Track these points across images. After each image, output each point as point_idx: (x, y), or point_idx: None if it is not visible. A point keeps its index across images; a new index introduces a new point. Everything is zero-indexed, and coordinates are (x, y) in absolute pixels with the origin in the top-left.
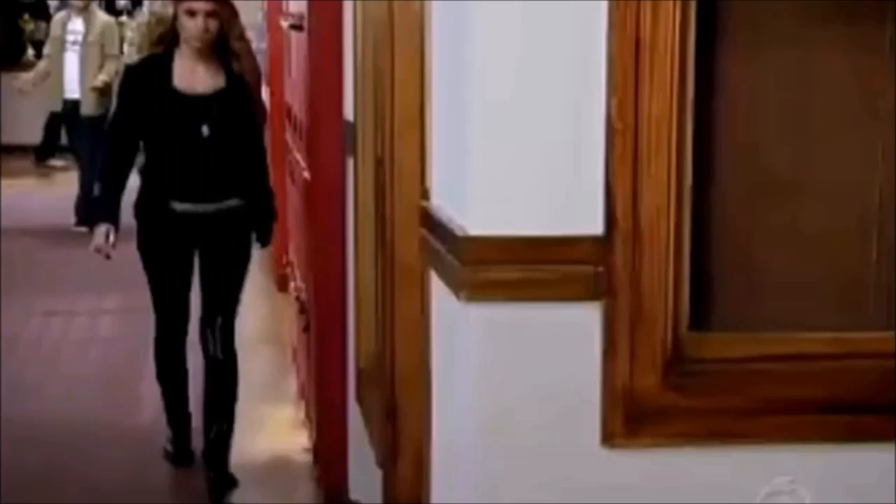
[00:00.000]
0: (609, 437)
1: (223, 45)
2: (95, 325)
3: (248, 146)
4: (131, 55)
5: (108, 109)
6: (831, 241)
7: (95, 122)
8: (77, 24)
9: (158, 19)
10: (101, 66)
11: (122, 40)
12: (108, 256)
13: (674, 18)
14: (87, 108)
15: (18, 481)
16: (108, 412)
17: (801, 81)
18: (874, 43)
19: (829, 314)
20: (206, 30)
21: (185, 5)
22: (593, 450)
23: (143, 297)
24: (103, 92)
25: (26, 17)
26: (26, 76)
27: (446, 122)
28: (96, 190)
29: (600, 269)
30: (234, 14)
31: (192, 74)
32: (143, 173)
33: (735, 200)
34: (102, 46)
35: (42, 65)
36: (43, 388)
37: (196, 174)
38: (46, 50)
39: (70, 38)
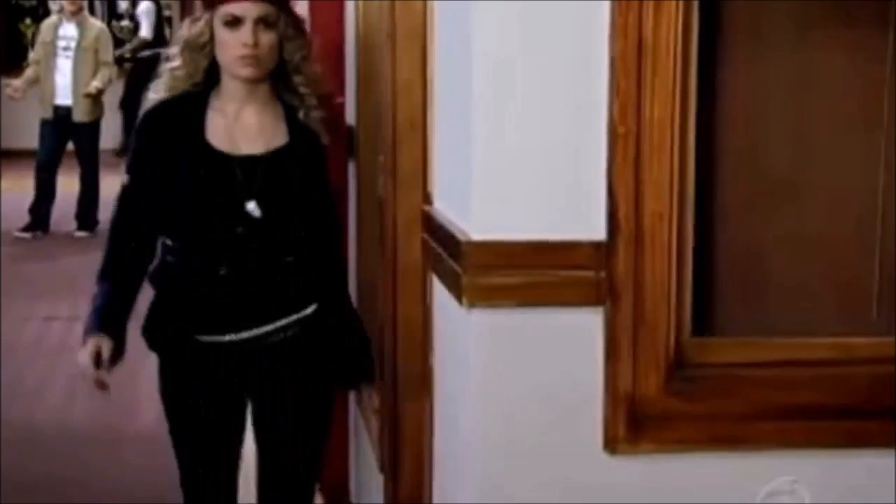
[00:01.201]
0: (611, 443)
1: (283, 79)
2: None
3: (319, 235)
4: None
5: (100, 116)
6: (834, 246)
7: (88, 128)
8: (69, 30)
9: (195, 44)
10: (94, 73)
11: (118, 44)
12: (101, 385)
13: (676, 22)
14: (80, 115)
15: (18, 486)
16: (108, 417)
17: (804, 85)
18: (876, 47)
19: (832, 319)
20: (257, 44)
21: (224, 9)
22: (595, 455)
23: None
24: (96, 99)
25: (27, 21)
26: (16, 82)
27: (448, 127)
28: (97, 295)
29: (602, 273)
30: (297, 27)
31: (236, 125)
32: (157, 278)
33: (737, 205)
34: (96, 52)
35: (30, 71)
36: (43, 393)
37: (239, 281)
38: (35, 55)
39: (62, 43)
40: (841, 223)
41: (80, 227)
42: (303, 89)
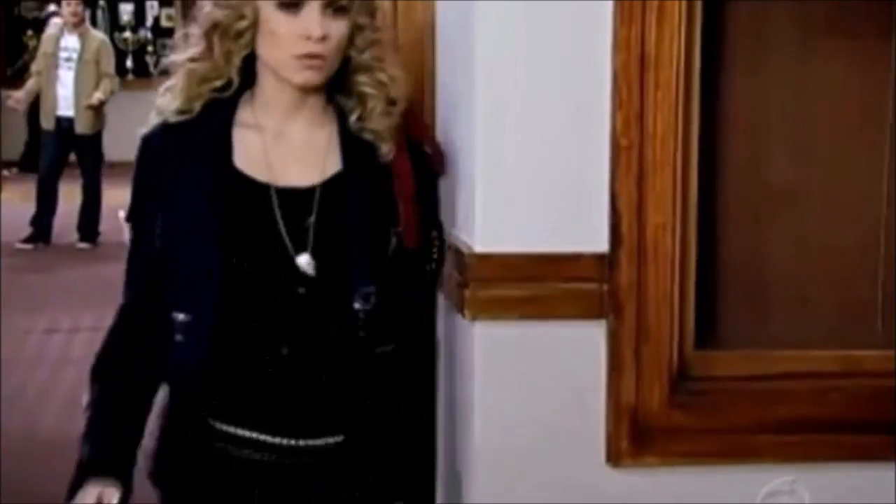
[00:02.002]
0: (614, 456)
1: (340, 79)
2: (97, 343)
3: (397, 304)
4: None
5: (102, 128)
6: (837, 258)
7: (90, 140)
8: (71, 41)
9: (229, 29)
10: (96, 84)
11: (121, 56)
12: None
13: (678, 34)
14: (82, 127)
15: (18, 497)
16: None
17: (806, 96)
18: (878, 56)
19: (835, 332)
20: (324, 38)
21: None
22: (598, 468)
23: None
24: (98, 110)
25: (30, 33)
26: (17, 94)
27: (450, 140)
28: (96, 404)
29: (605, 286)
30: (371, 12)
31: (276, 146)
32: (172, 371)
33: (740, 217)
34: (98, 63)
35: (32, 82)
36: (43, 405)
37: (284, 372)
38: (36, 67)
39: (63, 54)
40: (844, 234)
41: (81, 239)
42: (367, 89)
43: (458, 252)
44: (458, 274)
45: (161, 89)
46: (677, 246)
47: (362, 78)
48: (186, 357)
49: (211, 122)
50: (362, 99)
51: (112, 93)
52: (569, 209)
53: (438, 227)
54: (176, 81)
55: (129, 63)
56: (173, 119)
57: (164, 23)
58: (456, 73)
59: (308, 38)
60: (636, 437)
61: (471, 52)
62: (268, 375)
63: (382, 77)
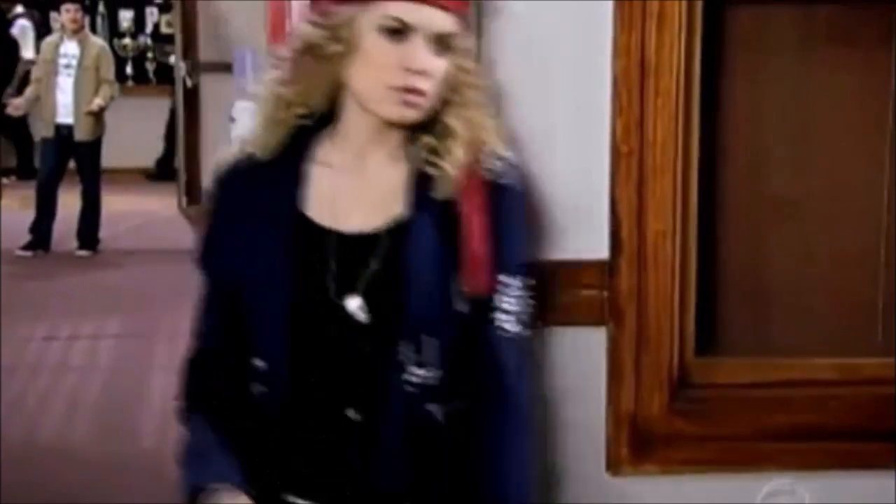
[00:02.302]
0: (615, 464)
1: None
2: (96, 351)
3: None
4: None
5: (101, 135)
6: (837, 265)
7: (89, 147)
8: (70, 48)
9: (324, 51)
10: (96, 91)
11: (121, 63)
12: None
13: (679, 41)
14: (82, 134)
15: None
16: (109, 438)
17: (806, 103)
18: (879, 65)
19: (835, 339)
20: (426, 73)
21: (389, 8)
22: (599, 476)
23: (144, 322)
24: (98, 117)
25: None
26: (17, 101)
27: None
28: (195, 439)
29: (605, 293)
30: (470, 52)
31: (348, 186)
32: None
33: (740, 224)
34: (97, 70)
35: (31, 89)
36: (42, 413)
37: (350, 435)
38: (36, 74)
39: (63, 61)
40: (845, 242)
41: (81, 246)
42: (455, 124)
43: None
44: None
45: (236, 111)
46: (677, 253)
47: (452, 118)
48: (267, 406)
49: (288, 158)
50: (446, 134)
51: (112, 99)
52: (569, 216)
53: (520, 272)
54: (257, 107)
55: (128, 69)
56: (249, 151)
57: (164, 29)
58: None
59: (408, 69)
60: (636, 444)
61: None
62: (333, 439)
63: (475, 118)
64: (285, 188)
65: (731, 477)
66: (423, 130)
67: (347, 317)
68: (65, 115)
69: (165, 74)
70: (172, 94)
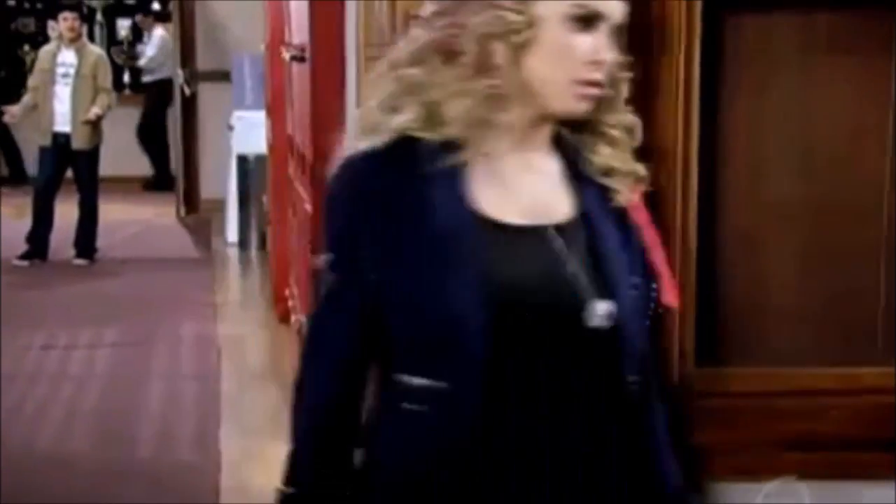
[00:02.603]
0: None
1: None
2: (94, 359)
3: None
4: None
5: (99, 144)
6: (838, 275)
7: (87, 156)
8: (68, 57)
9: (501, 36)
10: (93, 100)
11: (118, 71)
12: None
13: (679, 49)
14: (79, 143)
15: None
16: (107, 447)
17: (807, 112)
18: (879, 73)
19: (836, 349)
20: (601, 62)
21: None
22: None
23: (142, 331)
24: (95, 125)
25: (27, 48)
26: (14, 109)
27: None
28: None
29: None
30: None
31: (515, 181)
32: (387, 446)
33: (741, 235)
34: (95, 79)
35: (28, 98)
36: (40, 423)
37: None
38: (32, 82)
39: (60, 70)
40: (845, 252)
41: (78, 255)
42: (615, 132)
43: None
44: None
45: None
46: (678, 263)
47: (610, 117)
48: (437, 432)
49: (433, 148)
50: (607, 142)
51: (109, 108)
52: None
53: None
54: (412, 113)
55: (126, 78)
56: (387, 139)
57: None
58: None
59: (595, 62)
60: None
61: None
62: (535, 463)
63: (630, 120)
64: (445, 182)
65: (731, 486)
66: (572, 126)
67: (580, 324)
68: (62, 124)
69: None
70: (143, 102)
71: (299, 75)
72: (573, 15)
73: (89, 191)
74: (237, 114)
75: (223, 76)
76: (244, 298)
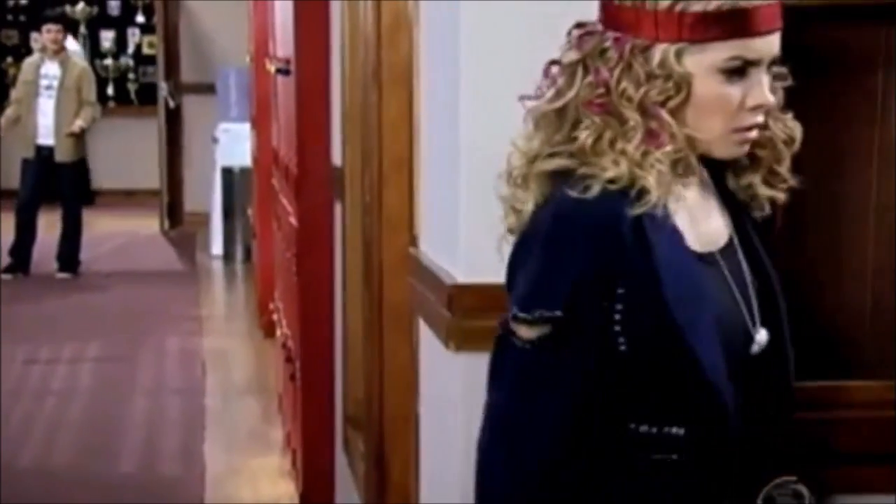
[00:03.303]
0: None
1: None
2: (78, 374)
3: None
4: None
5: (83, 156)
6: (828, 289)
7: (70, 168)
8: (52, 69)
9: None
10: (77, 112)
11: (102, 83)
12: None
13: None
14: (62, 155)
15: None
16: (89, 461)
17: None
18: (867, 87)
19: (830, 362)
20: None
21: (732, 47)
22: None
23: (125, 345)
24: (79, 138)
25: (9, 60)
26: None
27: (435, 169)
28: None
29: None
30: None
31: (699, 211)
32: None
33: None
34: (79, 91)
35: (10, 110)
36: (23, 437)
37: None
38: (15, 94)
39: (44, 82)
40: (835, 266)
41: (61, 269)
42: (761, 152)
43: (441, 282)
44: (442, 304)
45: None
46: None
47: (777, 131)
48: (691, 480)
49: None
50: (751, 160)
51: (94, 120)
52: None
53: None
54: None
55: (110, 90)
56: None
57: (146, 50)
58: (440, 101)
59: (757, 108)
60: None
61: (456, 80)
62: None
63: (781, 130)
64: (667, 225)
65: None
66: None
67: (746, 348)
68: (45, 136)
69: (148, 95)
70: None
71: (284, 88)
72: (724, 66)
73: (73, 204)
74: (222, 126)
75: (208, 88)
76: (229, 312)
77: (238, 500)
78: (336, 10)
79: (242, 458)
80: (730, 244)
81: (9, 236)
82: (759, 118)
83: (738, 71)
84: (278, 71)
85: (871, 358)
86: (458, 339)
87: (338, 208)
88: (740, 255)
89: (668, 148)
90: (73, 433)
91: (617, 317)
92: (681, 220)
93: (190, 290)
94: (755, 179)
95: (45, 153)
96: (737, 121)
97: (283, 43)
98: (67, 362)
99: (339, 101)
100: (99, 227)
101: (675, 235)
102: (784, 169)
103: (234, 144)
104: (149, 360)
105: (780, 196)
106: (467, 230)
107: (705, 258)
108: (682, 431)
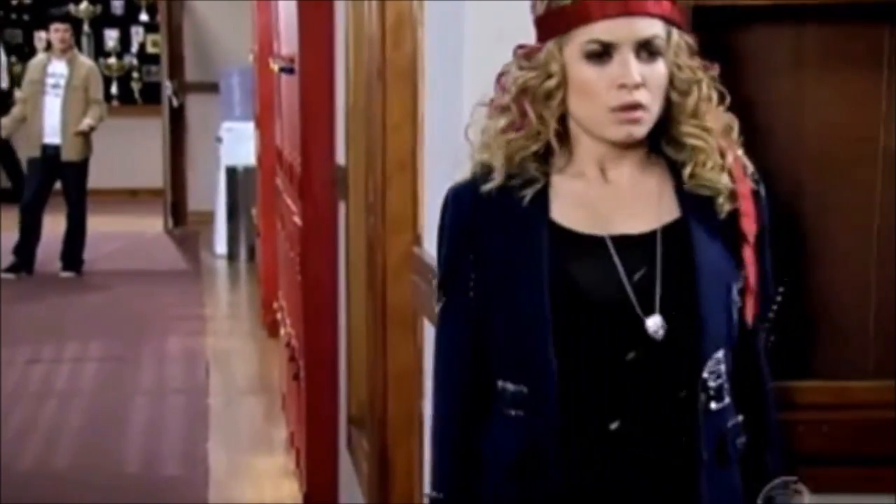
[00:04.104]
0: None
1: (662, 128)
2: (81, 373)
3: (741, 363)
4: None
5: (88, 156)
6: (829, 290)
7: (76, 168)
8: (58, 68)
9: (539, 92)
10: (84, 111)
11: (106, 82)
12: None
13: None
14: (69, 154)
15: None
16: (92, 462)
17: (797, 124)
18: (869, 86)
19: (830, 362)
20: (640, 85)
21: (585, 33)
22: None
23: (129, 344)
24: (86, 137)
25: (13, 59)
26: (3, 120)
27: (438, 168)
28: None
29: None
30: (690, 47)
31: (600, 192)
32: (490, 449)
33: None
34: (86, 90)
35: (17, 109)
36: (25, 437)
37: (639, 440)
38: (21, 94)
39: (51, 81)
40: (837, 265)
41: (65, 268)
42: (695, 141)
43: None
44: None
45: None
46: None
47: (687, 127)
48: (525, 434)
49: (524, 175)
50: (692, 151)
51: (101, 119)
52: None
53: (771, 281)
54: (489, 154)
55: (114, 89)
56: (483, 174)
57: (150, 49)
58: (444, 101)
59: (623, 86)
60: None
61: (460, 80)
62: (594, 453)
63: (709, 123)
64: (529, 202)
65: None
66: (666, 140)
67: (634, 332)
68: (51, 136)
69: (151, 94)
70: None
71: (288, 87)
72: (585, 51)
73: (77, 203)
74: (226, 125)
75: (212, 87)
76: (232, 311)
77: (241, 500)
78: (340, 9)
79: (246, 458)
80: (646, 235)
81: (11, 235)
82: (632, 97)
83: (599, 54)
84: (282, 70)
85: (875, 358)
86: None
87: (341, 207)
88: (657, 246)
89: (521, 135)
90: (76, 432)
91: (472, 284)
92: (560, 199)
93: (193, 289)
94: (697, 169)
95: (50, 152)
96: (610, 100)
97: (287, 42)
98: (70, 362)
99: (342, 100)
100: (102, 225)
101: (535, 210)
102: (729, 158)
103: (238, 144)
104: (152, 360)
105: (724, 179)
106: None
107: (586, 239)
108: (525, 389)
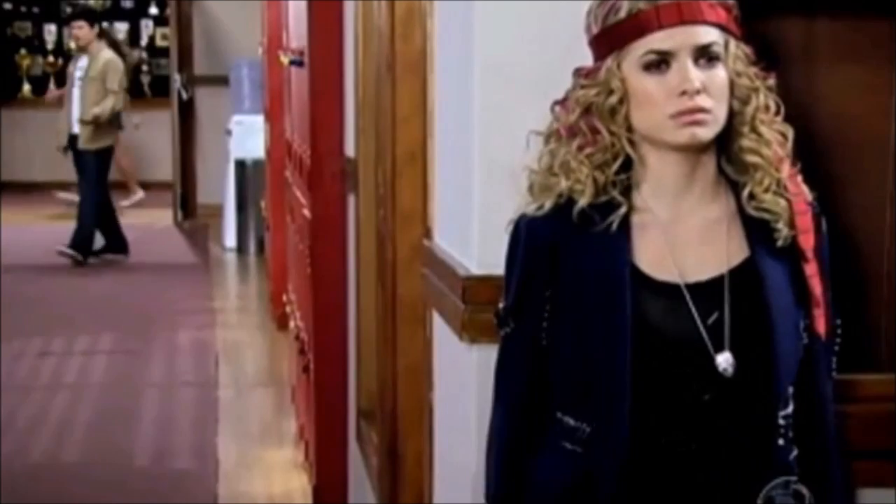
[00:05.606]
0: None
1: (722, 143)
2: (90, 366)
3: (804, 392)
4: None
5: (104, 146)
6: (838, 283)
7: (90, 157)
8: (82, 61)
9: (604, 108)
10: (99, 102)
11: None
12: None
13: None
14: (83, 143)
15: None
16: (103, 454)
17: (807, 117)
18: (881, 80)
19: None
20: (700, 90)
21: (641, 45)
22: None
23: (138, 337)
24: (98, 127)
25: (23, 51)
26: (57, 91)
27: (449, 160)
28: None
29: None
30: (748, 56)
31: (676, 234)
32: (550, 481)
33: None
34: (104, 81)
35: (59, 93)
36: (36, 430)
37: (689, 471)
38: (67, 86)
39: (77, 74)
40: (845, 260)
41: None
42: (752, 157)
43: (455, 274)
44: (456, 296)
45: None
46: None
47: (746, 141)
48: (578, 469)
49: (604, 210)
50: (750, 171)
51: (112, 109)
52: None
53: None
54: (569, 177)
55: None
56: (557, 202)
57: (159, 42)
58: (453, 94)
59: (684, 93)
60: None
61: (470, 73)
62: (658, 490)
63: (766, 134)
64: (611, 241)
65: None
66: (728, 160)
67: (708, 372)
68: (75, 126)
69: (161, 87)
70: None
71: (298, 80)
72: (643, 63)
73: (88, 192)
74: (235, 118)
75: (221, 81)
76: (242, 304)
77: (251, 493)
78: (350, 2)
79: (255, 451)
80: (716, 279)
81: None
82: (693, 101)
83: (657, 64)
84: (292, 62)
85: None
86: (473, 331)
87: (351, 200)
88: (725, 290)
89: (592, 152)
90: (86, 425)
91: (545, 314)
92: (639, 235)
93: (203, 282)
94: (756, 189)
95: (73, 142)
96: (670, 107)
97: (297, 34)
98: (80, 354)
99: (352, 93)
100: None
101: (618, 245)
102: (785, 168)
103: (248, 136)
104: (161, 353)
105: (782, 202)
106: (481, 222)
107: (662, 285)
108: (586, 428)
